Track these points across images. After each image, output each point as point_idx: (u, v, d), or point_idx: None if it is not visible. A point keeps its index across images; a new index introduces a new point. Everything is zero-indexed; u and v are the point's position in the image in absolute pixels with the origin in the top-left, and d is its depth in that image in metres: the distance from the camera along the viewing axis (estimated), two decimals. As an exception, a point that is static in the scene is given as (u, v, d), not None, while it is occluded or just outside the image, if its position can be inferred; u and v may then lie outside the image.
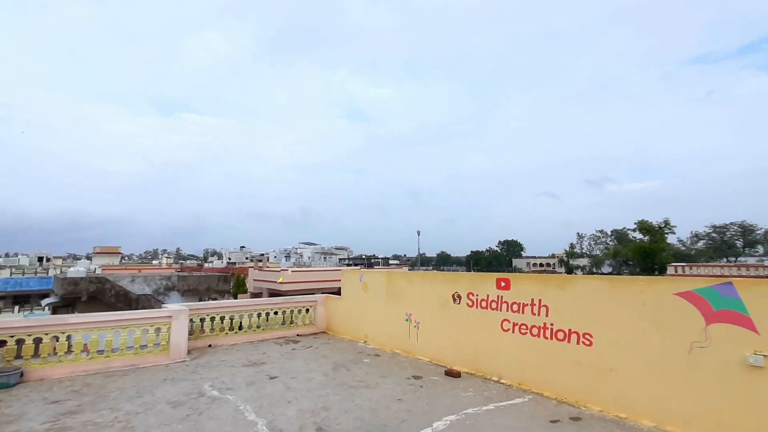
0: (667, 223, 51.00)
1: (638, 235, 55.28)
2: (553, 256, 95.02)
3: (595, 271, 67.81)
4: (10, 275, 34.88)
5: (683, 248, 73.43)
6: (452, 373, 5.91)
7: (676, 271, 37.80)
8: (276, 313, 8.96)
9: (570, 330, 4.97)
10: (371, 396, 5.05)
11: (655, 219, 53.10)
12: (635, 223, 54.52)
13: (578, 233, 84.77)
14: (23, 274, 37.43)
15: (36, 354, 5.84)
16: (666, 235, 51.10)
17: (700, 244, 74.94)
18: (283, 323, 9.01)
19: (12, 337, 5.69)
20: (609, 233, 75.59)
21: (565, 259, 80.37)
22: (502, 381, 5.60)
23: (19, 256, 58.19)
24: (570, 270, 75.23)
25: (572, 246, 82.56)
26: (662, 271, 44.91)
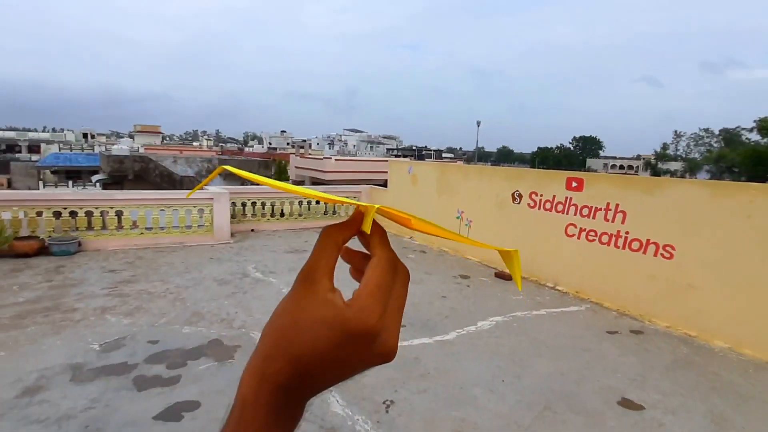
0: (800, 122, 44.70)
1: (756, 137, 49.23)
2: (638, 158, 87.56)
3: (688, 177, 62.97)
4: (59, 150, 38.31)
5: (816, 155, 65.47)
6: (503, 276, 6.05)
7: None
8: (318, 202, 9.29)
9: (648, 240, 4.78)
10: (414, 291, 5.31)
11: (785, 116, 46.69)
12: (755, 121, 48.16)
13: (676, 131, 77.27)
14: (71, 149, 40.92)
15: (89, 226, 6.59)
16: (794, 137, 45.13)
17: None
18: (325, 213, 9.39)
19: (65, 209, 6.38)
20: (716, 133, 68.03)
21: (654, 161, 73.53)
22: (558, 287, 5.68)
23: (65, 132, 63.16)
24: (656, 174, 70.29)
25: (665, 147, 74.87)
26: (778, 183, 40.91)
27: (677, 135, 75.36)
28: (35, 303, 4.45)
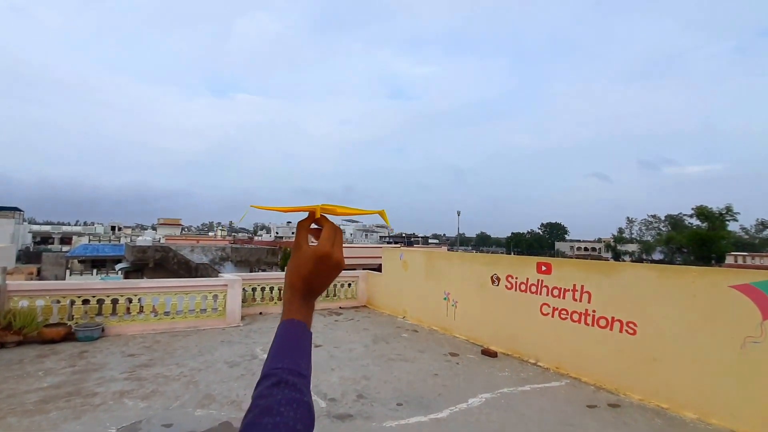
0: (729, 209, 46.70)
1: (695, 222, 51.27)
2: (599, 241, 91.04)
3: (644, 258, 63.90)
4: (89, 242, 38.43)
5: (746, 237, 67.53)
6: (489, 353, 5.94)
7: (736, 261, 34.96)
8: None
9: (613, 318, 4.82)
10: (409, 369, 5.20)
11: (716, 205, 49.00)
12: (693, 209, 50.55)
13: (628, 218, 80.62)
14: (99, 241, 41.16)
15: (113, 312, 6.51)
16: (727, 222, 46.96)
17: (766, 232, 68.62)
18: (327, 296, 9.37)
19: (94, 297, 6.35)
20: (663, 218, 70.77)
21: (613, 244, 76.60)
22: (539, 364, 5.56)
23: (95, 225, 63.79)
24: (617, 256, 71.16)
25: (621, 231, 78.88)
26: (720, 261, 41.60)
27: (630, 221, 79.27)
28: (58, 388, 4.28)
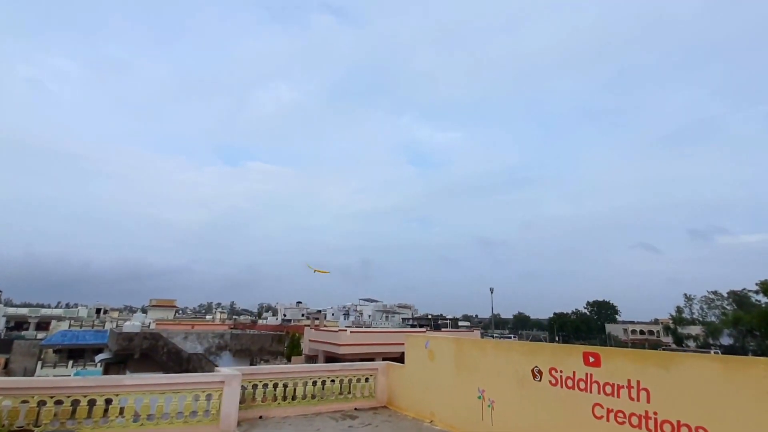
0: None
1: (763, 299, 49.41)
2: (656, 322, 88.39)
3: (711, 342, 61.16)
4: (69, 327, 38.38)
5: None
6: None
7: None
8: (333, 381, 8.90)
9: (679, 422, 4.46)
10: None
11: (781, 278, 47.18)
12: (757, 284, 48.98)
13: (686, 294, 78.61)
14: (81, 326, 41.09)
15: (89, 416, 6.17)
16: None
17: None
18: (340, 393, 8.90)
19: (68, 397, 6.11)
20: (725, 295, 69.51)
21: (672, 326, 74.07)
22: (610, 487, 5.01)
23: (78, 308, 64.19)
24: (679, 341, 68.94)
25: (679, 310, 76.45)
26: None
27: (688, 298, 77.46)
28: None
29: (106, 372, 16.76)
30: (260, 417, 7.83)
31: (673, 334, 71.68)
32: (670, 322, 75.90)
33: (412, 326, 57.46)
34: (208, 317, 77.21)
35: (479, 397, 6.99)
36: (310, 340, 31.37)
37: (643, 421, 4.76)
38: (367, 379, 9.31)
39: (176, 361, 14.63)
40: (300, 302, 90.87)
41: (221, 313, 76.32)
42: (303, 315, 74.63)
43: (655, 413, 4.69)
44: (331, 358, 24.18)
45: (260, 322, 70.59)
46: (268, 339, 22.07)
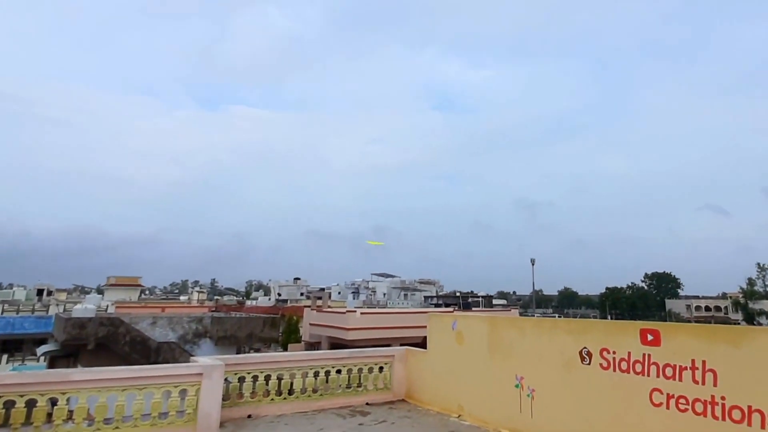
0: None
1: None
2: (724, 297, 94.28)
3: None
4: (2, 313, 39.66)
5: None
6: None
7: None
8: (339, 371, 9.18)
9: (750, 407, 4.81)
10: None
11: None
12: None
13: (759, 264, 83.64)
14: (18, 311, 42.31)
15: (28, 421, 6.50)
16: None
17: None
18: (349, 386, 9.22)
19: (0, 398, 6.39)
20: None
21: (742, 300, 79.70)
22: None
23: (14, 288, 66.10)
24: (750, 317, 73.46)
25: (751, 282, 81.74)
26: None
27: (761, 268, 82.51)
28: None
29: (51, 367, 17.61)
30: (249, 416, 8.12)
31: (744, 310, 76.83)
32: (740, 296, 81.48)
33: (437, 306, 58.75)
34: (182, 298, 79.73)
35: (517, 386, 7.39)
36: (311, 324, 32.35)
37: (709, 407, 5.10)
38: (381, 368, 9.60)
39: (142, 352, 15.26)
40: (298, 279, 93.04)
41: (199, 292, 78.75)
42: (302, 294, 76.60)
43: (722, 398, 5.01)
44: (337, 345, 25.02)
45: (249, 303, 72.72)
46: (258, 323, 22.82)
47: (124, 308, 40.75)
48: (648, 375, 5.74)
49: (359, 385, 9.34)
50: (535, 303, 61.40)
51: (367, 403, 9.17)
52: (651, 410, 5.63)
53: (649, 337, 5.80)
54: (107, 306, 40.01)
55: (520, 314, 46.87)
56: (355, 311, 29.00)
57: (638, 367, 5.86)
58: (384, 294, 74.43)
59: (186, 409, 7.25)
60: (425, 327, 9.78)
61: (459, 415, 8.34)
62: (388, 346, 12.82)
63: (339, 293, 73.80)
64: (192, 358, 9.46)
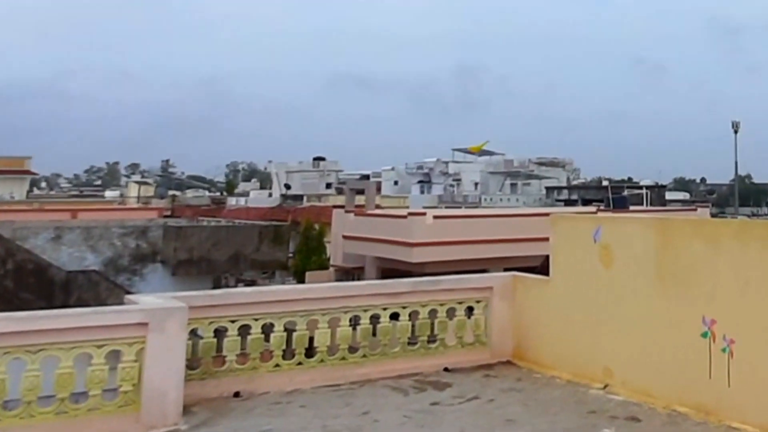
0: None
1: None
2: None
3: None
4: None
5: None
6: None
7: None
8: (397, 316, 9.36)
9: None
10: None
11: None
12: None
13: None
14: None
15: None
16: None
17: None
18: (413, 341, 9.53)
19: None
20: None
21: None
22: None
23: None
24: None
25: None
26: None
27: None
28: None
29: None
30: (236, 394, 8.37)
31: None
32: None
33: (568, 203, 62.13)
34: (109, 195, 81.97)
35: (704, 335, 7.99)
36: (346, 238, 32.92)
37: None
38: (470, 310, 9.89)
39: (39, 288, 15.73)
40: (322, 159, 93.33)
41: (141, 184, 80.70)
42: (329, 186, 77.73)
43: None
44: (393, 272, 25.61)
45: (233, 202, 74.29)
46: (251, 236, 23.22)
47: (4, 212, 42.02)
48: None
49: (432, 338, 9.61)
50: (737, 197, 62.66)
51: (445, 369, 9.49)
52: None
53: None
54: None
55: (713, 215, 50.04)
56: (424, 213, 29.31)
57: None
58: (476, 184, 75.27)
59: (121, 386, 7.36)
60: (546, 239, 10.20)
61: (605, 385, 8.82)
62: (484, 272, 13.02)
63: (396, 183, 74.93)
64: (127, 297, 9.60)
